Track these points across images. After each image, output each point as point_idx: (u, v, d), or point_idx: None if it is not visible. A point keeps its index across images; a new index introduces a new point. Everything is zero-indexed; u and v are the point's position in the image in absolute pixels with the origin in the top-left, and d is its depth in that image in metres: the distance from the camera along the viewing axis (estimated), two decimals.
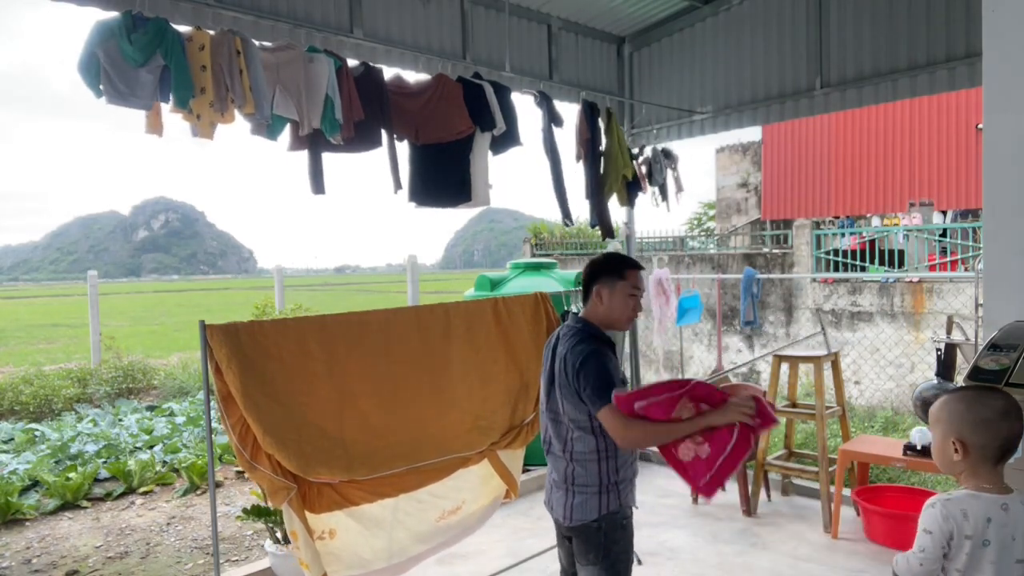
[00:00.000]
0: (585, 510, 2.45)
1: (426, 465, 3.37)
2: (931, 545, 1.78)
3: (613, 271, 2.54)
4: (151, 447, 6.90)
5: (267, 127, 3.47)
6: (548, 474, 2.64)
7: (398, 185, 4.09)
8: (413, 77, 4.33)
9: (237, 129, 3.48)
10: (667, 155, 5.99)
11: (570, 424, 2.47)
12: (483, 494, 3.76)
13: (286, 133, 3.68)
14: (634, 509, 2.58)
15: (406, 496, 3.30)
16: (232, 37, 3.28)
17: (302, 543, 2.93)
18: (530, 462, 5.42)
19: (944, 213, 12.79)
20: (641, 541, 4.50)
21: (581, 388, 2.37)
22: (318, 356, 3.06)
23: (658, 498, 5.35)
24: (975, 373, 2.61)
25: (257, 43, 3.46)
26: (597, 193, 5.27)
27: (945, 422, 1.85)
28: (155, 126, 3.21)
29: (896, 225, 11.11)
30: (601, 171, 5.34)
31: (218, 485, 6.06)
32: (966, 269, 8.69)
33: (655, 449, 2.40)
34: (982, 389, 1.92)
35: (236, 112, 3.32)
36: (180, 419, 7.95)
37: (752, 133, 18.38)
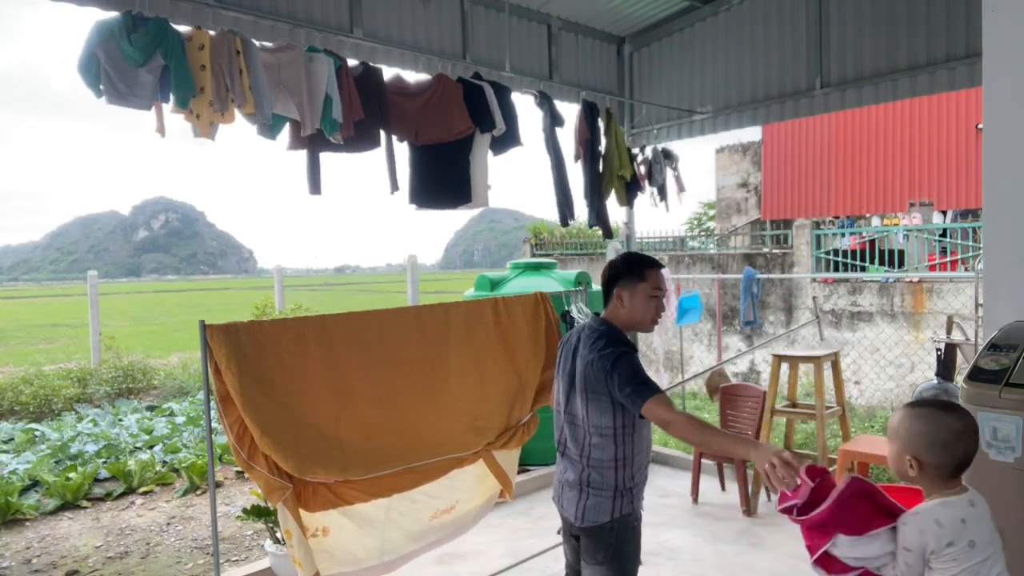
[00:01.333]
0: (599, 512, 2.42)
1: (421, 465, 3.37)
2: (915, 560, 1.80)
3: (633, 272, 2.47)
4: (151, 447, 6.90)
5: (268, 127, 3.47)
6: (560, 472, 2.59)
7: (395, 186, 4.08)
8: (413, 77, 4.33)
9: (237, 129, 3.48)
10: (667, 155, 5.99)
11: (590, 430, 2.42)
12: (478, 494, 3.76)
13: (286, 133, 3.68)
14: (642, 512, 2.57)
15: (400, 496, 3.30)
16: (232, 37, 3.28)
17: (296, 541, 2.95)
18: (527, 462, 5.43)
19: (944, 213, 12.79)
20: (641, 541, 4.50)
21: (617, 390, 2.30)
22: (317, 356, 3.06)
23: (658, 498, 5.34)
24: (975, 373, 2.61)
25: (257, 44, 3.46)
26: (596, 193, 5.28)
27: (903, 439, 1.87)
28: (161, 126, 3.22)
29: (896, 225, 11.11)
30: (600, 171, 5.34)
31: (218, 485, 6.06)
32: (966, 269, 8.69)
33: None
34: (940, 408, 1.89)
35: (236, 112, 3.32)
36: (180, 419, 7.95)
37: (752, 133, 18.39)
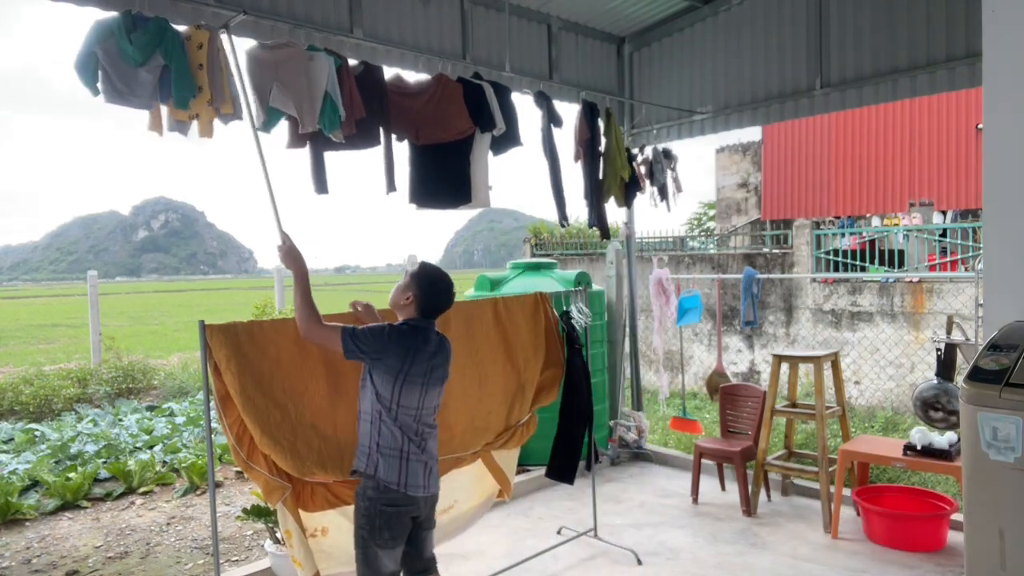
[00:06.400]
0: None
1: None
2: None
3: None
4: (151, 447, 6.90)
5: (264, 121, 3.43)
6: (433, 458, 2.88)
7: (391, 187, 4.05)
8: (413, 77, 4.32)
9: (237, 128, 3.47)
10: (666, 155, 5.99)
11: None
12: (476, 493, 3.77)
13: (285, 134, 3.67)
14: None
15: None
16: (219, 34, 3.26)
17: (295, 541, 2.95)
18: (527, 462, 5.43)
19: (944, 213, 12.78)
20: (641, 541, 4.51)
21: None
22: (316, 356, 3.06)
23: (658, 498, 5.35)
24: (975, 373, 2.61)
25: (256, 41, 3.46)
26: (595, 194, 5.27)
27: None
28: (156, 125, 3.21)
29: (896, 225, 11.11)
30: (600, 172, 5.33)
31: (218, 485, 6.06)
32: (966, 269, 8.69)
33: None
34: None
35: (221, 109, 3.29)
36: (180, 419, 7.94)
37: (752, 133, 18.38)
